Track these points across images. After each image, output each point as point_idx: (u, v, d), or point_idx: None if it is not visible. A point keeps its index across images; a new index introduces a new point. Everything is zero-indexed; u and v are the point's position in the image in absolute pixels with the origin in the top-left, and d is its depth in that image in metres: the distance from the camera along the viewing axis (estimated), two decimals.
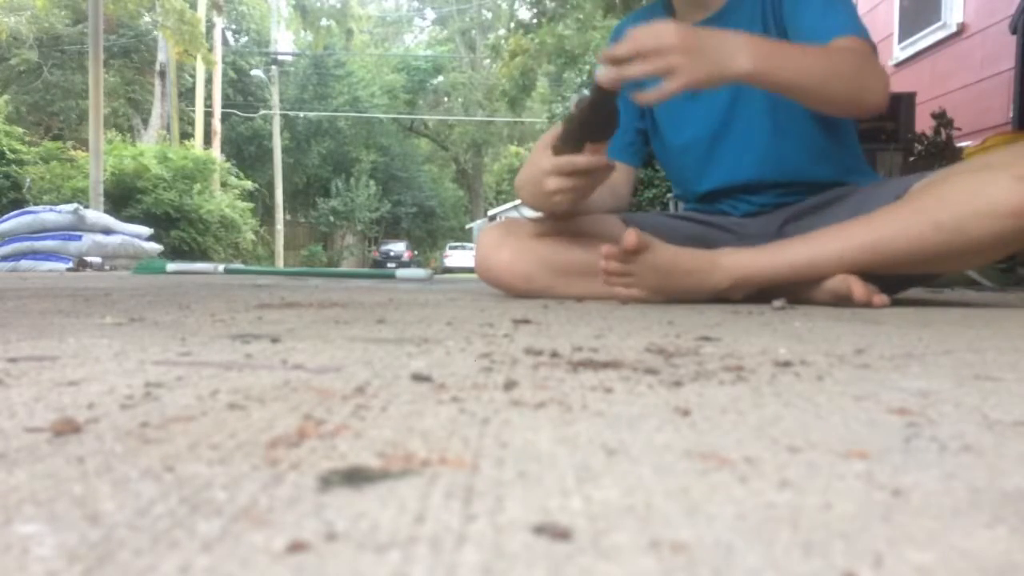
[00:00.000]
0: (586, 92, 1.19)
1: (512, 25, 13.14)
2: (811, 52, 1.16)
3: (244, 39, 22.10)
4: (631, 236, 1.14)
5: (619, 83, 1.06)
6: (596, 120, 1.14)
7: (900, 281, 1.18)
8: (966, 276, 2.40)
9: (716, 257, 1.20)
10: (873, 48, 1.26)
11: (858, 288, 1.12)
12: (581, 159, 1.15)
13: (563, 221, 1.33)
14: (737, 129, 1.40)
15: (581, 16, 10.85)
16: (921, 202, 1.11)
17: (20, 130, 10.40)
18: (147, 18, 13.74)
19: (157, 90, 15.26)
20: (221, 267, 3.96)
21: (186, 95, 17.23)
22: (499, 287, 1.41)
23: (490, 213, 23.60)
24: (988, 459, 0.28)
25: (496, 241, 1.38)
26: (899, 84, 4.20)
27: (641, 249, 1.15)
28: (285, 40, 24.33)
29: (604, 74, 1.07)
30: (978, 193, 1.06)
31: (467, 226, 26.04)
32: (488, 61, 24.69)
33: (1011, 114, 3.86)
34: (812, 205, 1.37)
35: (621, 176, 1.47)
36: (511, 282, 1.36)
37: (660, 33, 1.03)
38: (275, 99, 19.72)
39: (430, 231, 27.15)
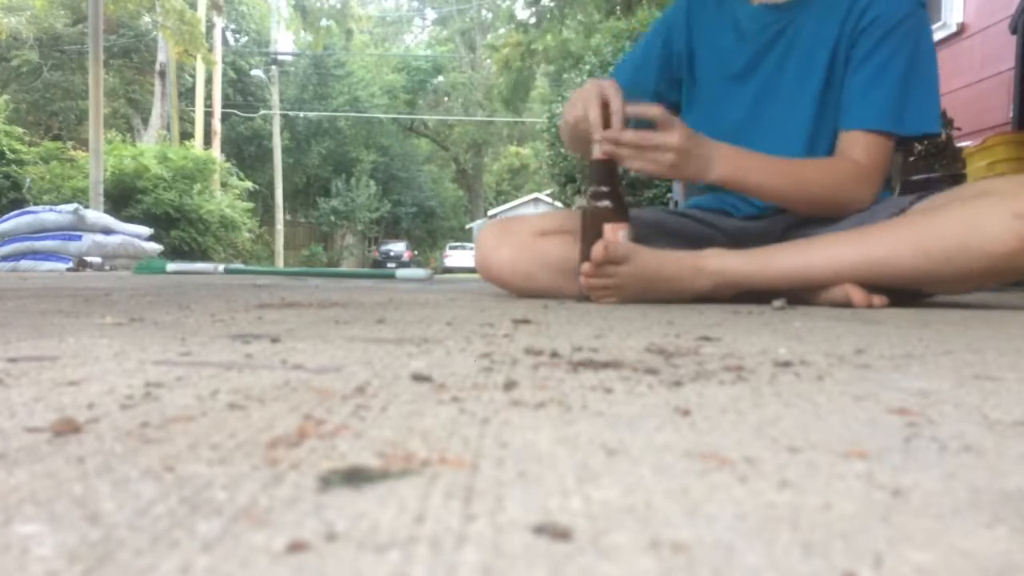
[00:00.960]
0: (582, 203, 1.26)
1: (512, 26, 13.15)
2: (782, 166, 1.25)
3: (244, 39, 22.10)
4: (598, 249, 1.14)
5: (617, 156, 1.18)
6: (613, 206, 1.19)
7: (896, 294, 1.17)
8: None
9: (700, 260, 1.19)
10: (887, 146, 1.28)
11: (857, 295, 1.12)
12: (599, 250, 1.15)
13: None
14: (765, 127, 1.37)
15: (582, 18, 10.86)
16: (915, 227, 1.10)
17: (20, 130, 10.40)
18: (147, 18, 13.74)
19: (157, 90, 15.25)
20: (221, 267, 3.96)
21: (186, 95, 17.22)
22: (499, 285, 1.41)
23: (490, 213, 23.60)
24: (988, 459, 0.28)
25: (496, 240, 1.38)
26: None
27: (620, 260, 1.15)
28: (285, 40, 24.33)
29: (603, 149, 1.18)
30: (972, 227, 1.04)
31: (467, 226, 26.03)
32: (488, 61, 24.68)
33: (1011, 114, 3.86)
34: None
35: None
36: (511, 280, 1.36)
37: (669, 128, 1.16)
38: (275, 99, 19.72)
39: (430, 231, 27.14)
